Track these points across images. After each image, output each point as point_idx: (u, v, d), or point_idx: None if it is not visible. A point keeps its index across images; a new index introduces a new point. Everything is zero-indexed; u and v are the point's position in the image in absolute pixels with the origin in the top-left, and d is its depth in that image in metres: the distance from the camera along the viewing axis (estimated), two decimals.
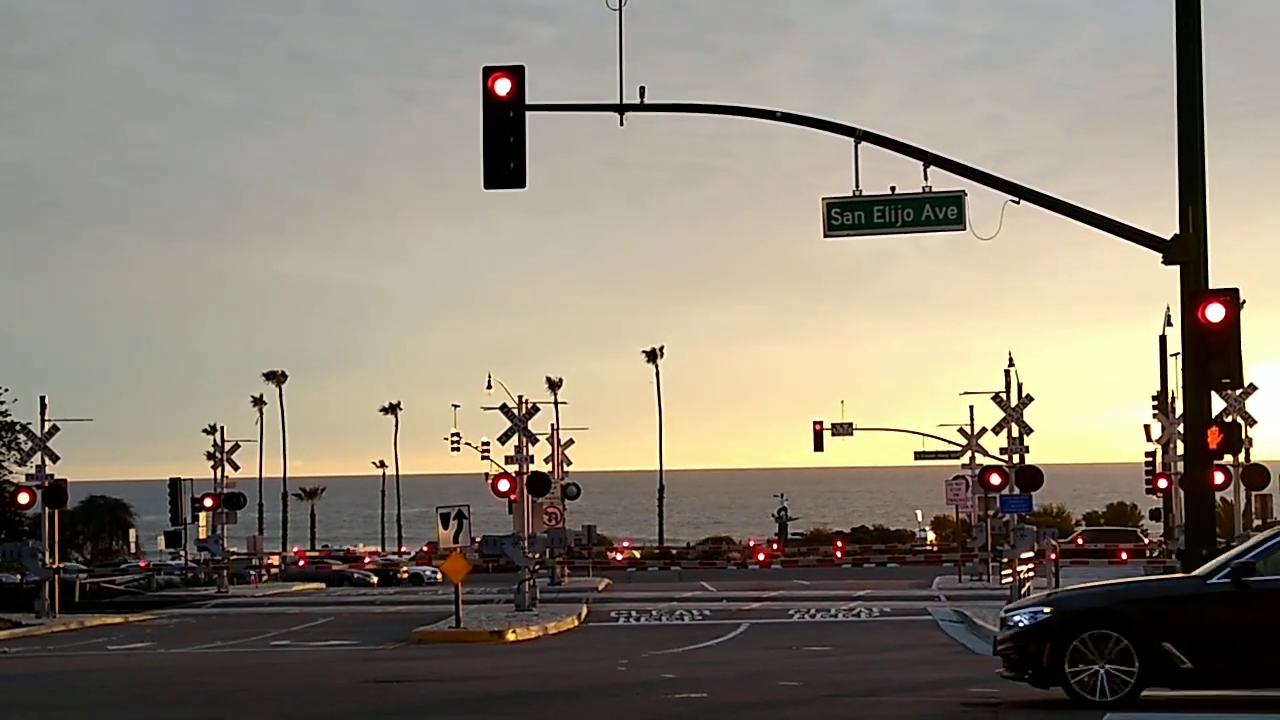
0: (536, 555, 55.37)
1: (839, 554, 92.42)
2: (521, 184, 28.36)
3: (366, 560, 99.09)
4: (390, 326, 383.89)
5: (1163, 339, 66.05)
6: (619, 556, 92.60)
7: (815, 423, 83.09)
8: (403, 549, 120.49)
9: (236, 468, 75.31)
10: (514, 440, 53.46)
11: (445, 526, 45.46)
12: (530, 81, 27.99)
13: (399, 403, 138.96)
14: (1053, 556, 54.97)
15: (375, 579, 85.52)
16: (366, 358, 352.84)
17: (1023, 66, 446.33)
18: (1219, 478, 43.66)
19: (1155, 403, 66.28)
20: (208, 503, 75.53)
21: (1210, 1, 27.03)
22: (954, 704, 18.68)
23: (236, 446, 75.23)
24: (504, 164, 28.18)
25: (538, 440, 56.39)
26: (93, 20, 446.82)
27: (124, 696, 23.56)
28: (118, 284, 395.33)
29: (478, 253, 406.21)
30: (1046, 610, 18.25)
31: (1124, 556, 73.62)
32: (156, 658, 36.30)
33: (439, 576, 79.07)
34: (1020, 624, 18.32)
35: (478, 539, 52.84)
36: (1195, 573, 18.59)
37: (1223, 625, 17.50)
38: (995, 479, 54.56)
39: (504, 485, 54.57)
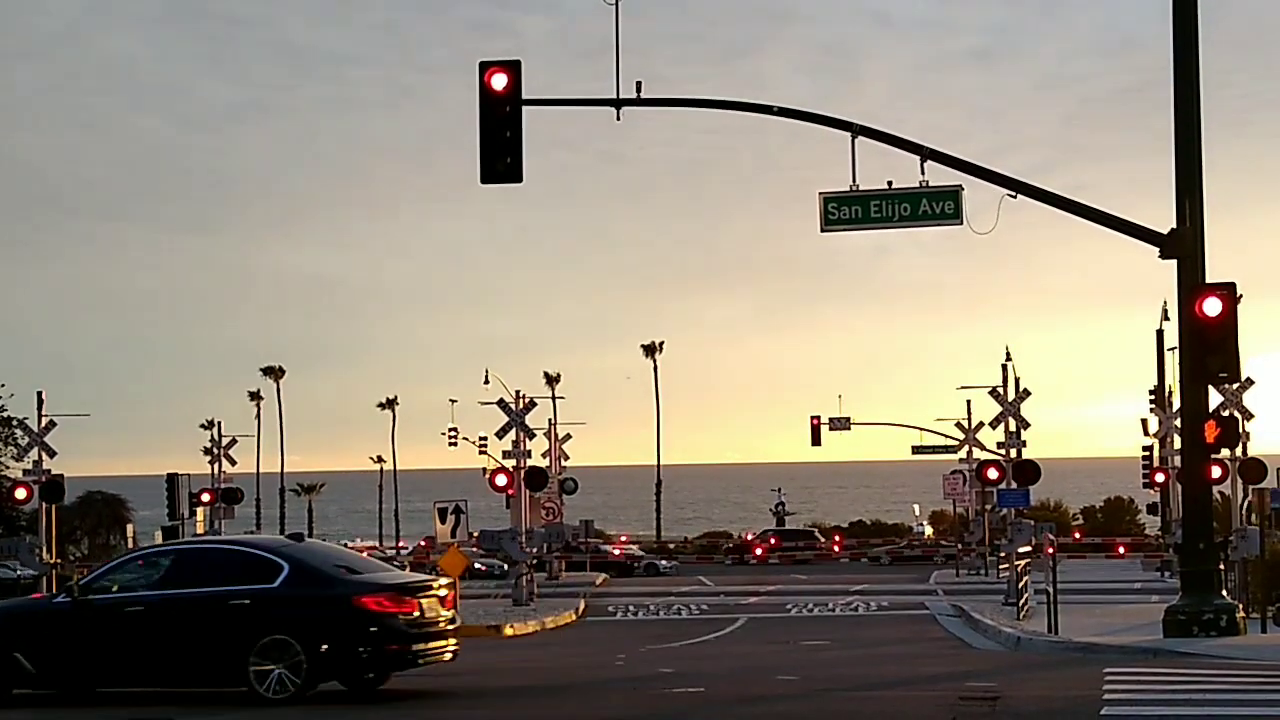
0: (534, 550, 55.40)
1: (837, 548, 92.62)
2: (518, 179, 28.34)
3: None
4: (387, 321, 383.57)
5: (1160, 333, 66.07)
6: (616, 551, 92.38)
7: (813, 417, 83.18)
8: (400, 544, 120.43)
9: (234, 463, 75.29)
10: (511, 435, 53.46)
11: (443, 521, 45.45)
12: (526, 74, 27.95)
13: (396, 397, 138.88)
14: (1050, 551, 54.93)
15: None
16: (364, 352, 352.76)
17: (1019, 60, 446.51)
18: (1216, 472, 43.54)
19: (1153, 397, 66.25)
20: (205, 498, 75.52)
21: None
22: (951, 698, 18.65)
23: (234, 442, 75.23)
24: (500, 159, 28.16)
25: (535, 435, 56.41)
26: (87, 11, 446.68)
27: (118, 692, 23.53)
28: (114, 278, 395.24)
29: (475, 246, 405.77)
30: None
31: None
32: None
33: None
34: None
35: (475, 533, 52.83)
36: (53, 594, 21.81)
37: (65, 636, 20.29)
38: (993, 473, 54.55)
39: (501, 480, 54.57)
